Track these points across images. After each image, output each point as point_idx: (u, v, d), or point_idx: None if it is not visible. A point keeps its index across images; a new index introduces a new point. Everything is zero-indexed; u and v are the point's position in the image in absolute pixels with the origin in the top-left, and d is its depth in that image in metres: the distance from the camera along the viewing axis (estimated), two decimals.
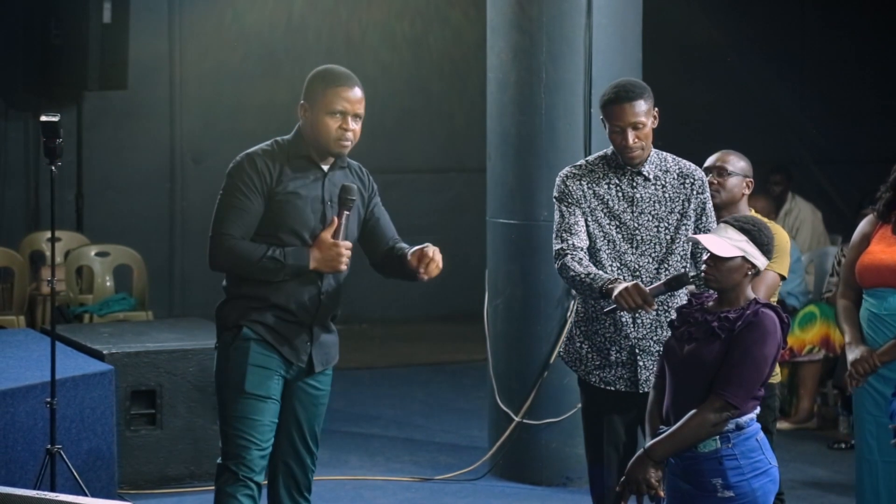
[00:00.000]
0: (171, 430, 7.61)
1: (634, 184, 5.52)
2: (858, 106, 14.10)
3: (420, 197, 13.46)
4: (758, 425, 4.86)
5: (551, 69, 7.74)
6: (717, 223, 5.38)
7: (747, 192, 6.10)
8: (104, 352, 7.46)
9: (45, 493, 4.26)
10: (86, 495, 6.37)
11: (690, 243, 5.55)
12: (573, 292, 7.71)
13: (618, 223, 5.51)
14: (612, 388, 5.52)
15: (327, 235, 5.31)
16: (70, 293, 10.37)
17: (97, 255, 10.67)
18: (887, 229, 5.83)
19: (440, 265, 5.44)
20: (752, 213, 6.00)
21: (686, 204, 5.54)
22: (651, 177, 5.53)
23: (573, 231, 5.48)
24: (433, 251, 5.39)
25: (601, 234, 5.51)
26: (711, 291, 4.93)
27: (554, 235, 5.53)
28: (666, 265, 5.49)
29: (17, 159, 12.05)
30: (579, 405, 7.67)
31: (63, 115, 6.87)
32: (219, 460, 5.39)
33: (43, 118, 6.53)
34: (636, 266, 5.49)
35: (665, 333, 5.41)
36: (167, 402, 7.58)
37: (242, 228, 5.29)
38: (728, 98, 13.52)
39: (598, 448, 5.53)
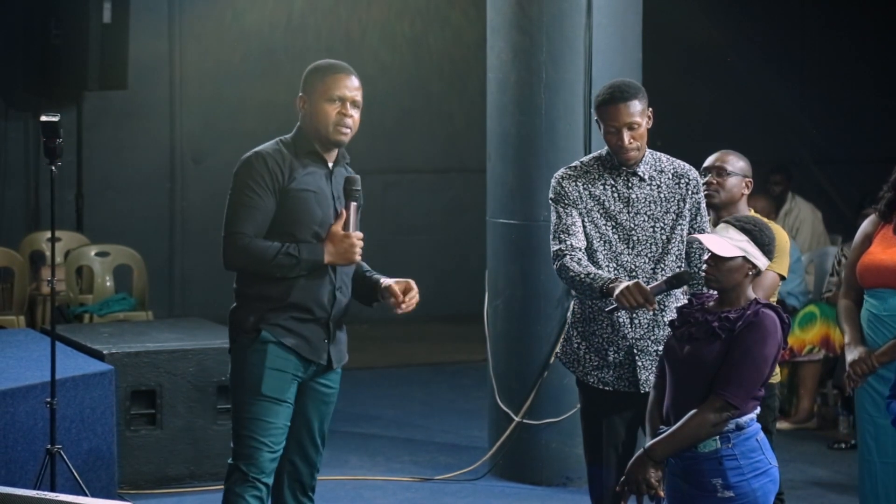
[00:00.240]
0: (171, 430, 7.61)
1: (630, 184, 5.52)
2: (858, 106, 14.11)
3: (420, 197, 13.47)
4: (758, 425, 4.86)
5: (551, 69, 7.75)
6: (718, 223, 5.38)
7: (747, 192, 6.10)
8: (104, 352, 7.47)
9: (45, 493, 4.26)
10: (86, 495, 6.37)
11: (685, 243, 5.56)
12: (573, 292, 7.72)
13: (614, 224, 5.51)
14: (611, 389, 5.52)
15: (338, 228, 5.34)
16: (70, 293, 10.37)
17: (97, 255, 10.67)
18: (888, 230, 5.82)
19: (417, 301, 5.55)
20: (752, 213, 6.00)
21: (681, 204, 5.55)
22: (646, 177, 5.53)
23: (570, 232, 5.48)
24: (414, 287, 5.49)
25: (597, 234, 5.51)
26: (712, 291, 4.93)
27: (551, 237, 5.54)
28: (662, 265, 5.49)
29: (17, 159, 12.06)
30: (579, 405, 7.71)
31: (63, 115, 6.87)
32: (229, 460, 5.39)
33: (43, 118, 6.53)
34: (632, 266, 5.49)
35: (663, 333, 5.41)
36: (167, 402, 7.58)
37: (255, 227, 5.30)
38: (728, 98, 13.53)
39: (597, 448, 5.54)
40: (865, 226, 5.93)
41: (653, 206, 5.52)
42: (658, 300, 5.40)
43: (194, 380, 7.61)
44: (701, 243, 5.17)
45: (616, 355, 5.50)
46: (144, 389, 7.57)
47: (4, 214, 12.04)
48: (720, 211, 5.98)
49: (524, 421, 7.85)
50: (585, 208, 5.51)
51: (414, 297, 5.54)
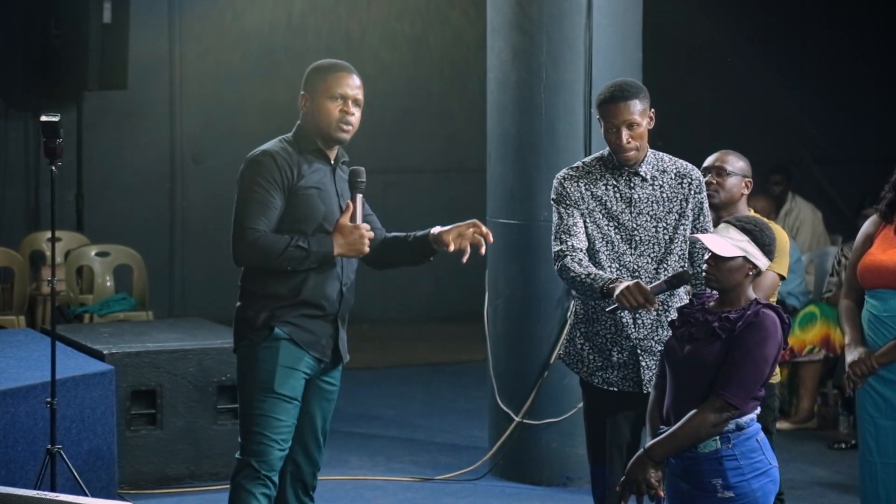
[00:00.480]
0: (171, 430, 7.61)
1: (632, 184, 5.52)
2: (859, 106, 14.10)
3: (420, 197, 13.46)
4: (758, 426, 4.86)
5: (551, 69, 7.75)
6: (718, 223, 5.38)
7: (746, 192, 6.10)
8: (104, 352, 7.47)
9: (46, 493, 4.26)
10: (86, 495, 6.37)
11: (688, 243, 5.56)
12: (573, 292, 7.72)
13: (616, 224, 5.51)
14: (616, 389, 5.52)
15: (346, 220, 5.38)
16: (70, 293, 10.37)
17: (97, 255, 10.67)
18: (889, 230, 5.82)
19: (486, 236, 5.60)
20: (752, 213, 6.00)
21: (684, 204, 5.54)
22: (648, 177, 5.53)
23: (572, 232, 5.48)
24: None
25: (599, 235, 5.51)
26: (712, 291, 4.93)
27: (553, 237, 5.54)
28: (665, 265, 5.49)
29: (17, 159, 12.06)
30: (579, 405, 7.68)
31: (63, 115, 6.87)
32: (237, 454, 5.40)
33: (43, 118, 6.53)
34: (635, 266, 5.49)
35: (666, 333, 5.41)
36: (167, 402, 7.59)
37: (265, 223, 5.32)
38: (728, 98, 13.53)
39: (600, 448, 5.53)
40: (866, 226, 5.92)
41: (655, 206, 5.52)
42: (661, 300, 5.41)
43: (194, 380, 7.61)
44: (701, 243, 5.17)
45: (620, 355, 5.50)
46: (144, 389, 7.57)
47: (4, 214, 12.04)
48: (720, 211, 5.98)
49: (524, 421, 7.85)
50: (587, 209, 5.51)
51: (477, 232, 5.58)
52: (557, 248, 5.48)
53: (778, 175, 10.94)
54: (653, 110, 5.53)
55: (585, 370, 5.58)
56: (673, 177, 5.55)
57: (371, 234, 5.43)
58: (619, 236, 5.50)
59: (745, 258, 4.83)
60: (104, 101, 12.09)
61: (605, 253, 5.50)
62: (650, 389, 5.34)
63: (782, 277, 5.99)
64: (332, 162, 5.48)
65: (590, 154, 7.64)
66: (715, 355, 4.78)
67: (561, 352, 5.71)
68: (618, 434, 5.51)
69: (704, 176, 5.87)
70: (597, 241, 5.50)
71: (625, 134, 5.43)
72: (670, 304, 5.47)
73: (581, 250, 5.46)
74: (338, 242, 5.36)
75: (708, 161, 6.07)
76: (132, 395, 7.55)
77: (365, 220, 5.57)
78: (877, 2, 13.76)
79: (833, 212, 12.14)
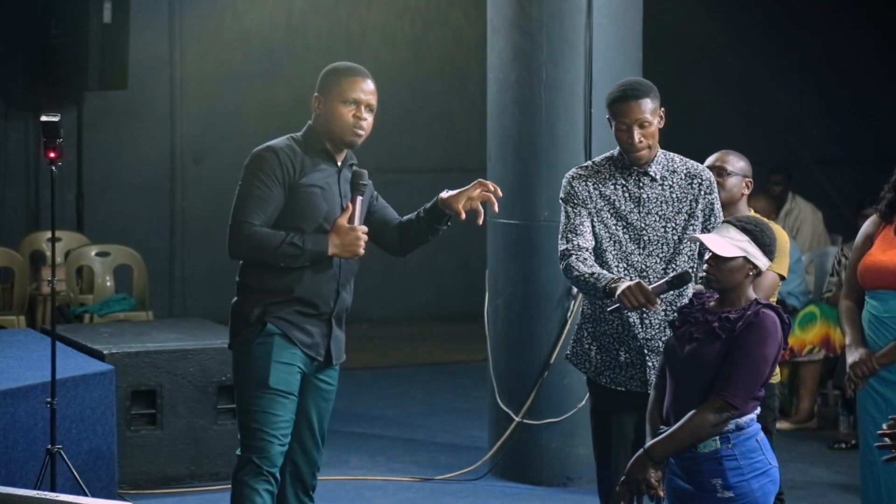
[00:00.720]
0: (171, 430, 7.61)
1: (641, 184, 5.51)
2: (858, 106, 14.10)
3: (420, 197, 13.28)
4: (758, 426, 4.86)
5: (551, 69, 7.75)
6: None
7: (747, 192, 6.09)
8: (104, 352, 7.47)
9: (46, 493, 4.26)
10: (86, 495, 6.37)
11: (698, 243, 5.55)
12: (573, 292, 7.72)
13: (624, 224, 5.50)
14: (623, 389, 5.52)
15: (343, 221, 5.39)
16: (70, 293, 10.37)
17: (97, 255, 10.67)
18: (889, 230, 5.82)
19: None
20: (752, 213, 6.00)
21: (694, 204, 5.53)
22: (658, 177, 5.52)
23: (578, 232, 5.48)
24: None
25: (607, 234, 5.50)
26: (712, 291, 4.93)
27: (559, 236, 5.54)
28: (674, 265, 5.48)
29: (17, 159, 12.05)
30: (579, 405, 7.72)
31: (63, 115, 6.88)
32: (238, 451, 5.40)
33: (43, 118, 6.53)
34: (643, 266, 5.48)
35: None
36: (167, 402, 7.59)
37: (262, 217, 5.34)
38: (728, 98, 13.53)
39: (606, 448, 5.52)
40: (866, 226, 5.92)
41: (664, 206, 5.51)
42: (669, 300, 5.41)
43: (194, 380, 7.61)
44: (701, 243, 5.17)
45: (627, 355, 5.49)
46: (145, 389, 7.57)
47: (4, 214, 12.03)
48: None
49: (524, 421, 7.85)
50: (595, 208, 5.51)
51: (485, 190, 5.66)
52: (563, 247, 5.48)
53: (778, 175, 10.94)
54: (662, 109, 5.52)
55: (592, 370, 5.58)
56: (683, 177, 5.54)
57: (366, 237, 5.42)
58: (627, 236, 5.50)
59: (745, 258, 4.83)
60: (104, 101, 12.09)
61: (613, 252, 5.49)
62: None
63: (782, 277, 5.99)
64: (340, 164, 5.49)
65: (590, 153, 7.67)
66: (715, 355, 4.78)
67: (568, 352, 5.70)
68: (623, 434, 5.51)
69: (713, 176, 5.85)
70: (604, 241, 5.50)
71: (637, 133, 5.42)
72: (679, 303, 5.46)
73: (587, 250, 5.46)
74: (333, 243, 5.37)
75: (708, 161, 6.06)
76: (132, 395, 7.55)
77: (377, 209, 5.60)
78: (877, 2, 13.76)
79: (833, 212, 12.14)
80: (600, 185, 5.53)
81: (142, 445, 7.56)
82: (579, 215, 5.50)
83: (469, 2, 13.09)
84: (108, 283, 10.58)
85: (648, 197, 5.51)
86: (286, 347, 5.37)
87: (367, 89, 5.47)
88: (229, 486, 5.48)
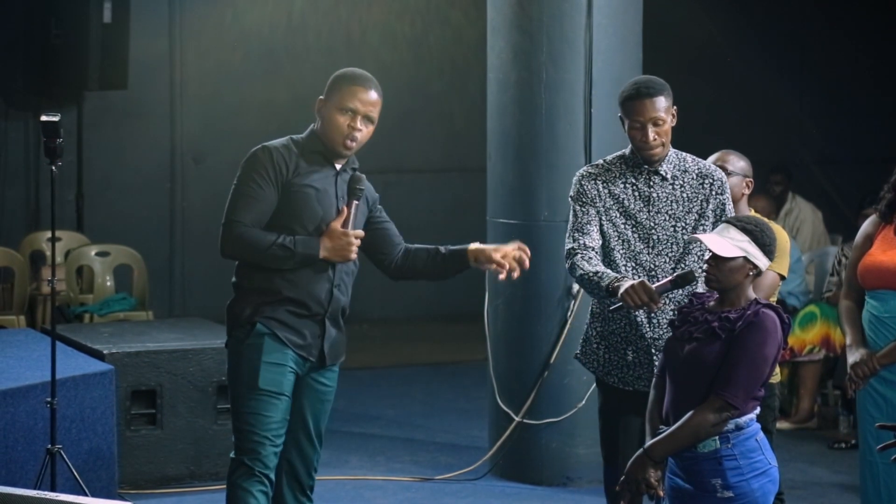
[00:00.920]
0: (171, 430, 7.61)
1: (651, 183, 5.51)
2: (858, 106, 14.10)
3: (420, 197, 13.46)
4: (757, 425, 4.86)
5: (551, 69, 7.75)
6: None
7: (747, 191, 6.09)
8: (104, 352, 7.47)
9: (46, 492, 4.26)
10: (86, 495, 6.36)
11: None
12: (573, 292, 7.72)
13: (633, 223, 5.49)
14: (631, 389, 5.51)
15: (337, 225, 5.36)
16: (70, 293, 10.37)
17: (97, 254, 10.67)
18: (889, 230, 5.82)
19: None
20: (752, 212, 5.99)
21: (704, 204, 5.51)
22: (669, 176, 5.50)
23: (585, 231, 5.48)
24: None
25: (615, 233, 5.50)
26: (712, 291, 4.93)
27: (566, 235, 5.54)
28: (683, 265, 5.46)
29: (17, 159, 12.06)
30: (579, 405, 7.72)
31: (63, 114, 6.87)
32: (232, 454, 5.39)
33: (43, 118, 6.52)
34: (652, 266, 5.47)
35: None
36: (167, 401, 7.59)
37: (254, 216, 5.32)
38: (728, 98, 13.53)
39: (613, 447, 5.52)
40: (866, 226, 5.92)
41: (674, 205, 5.50)
42: (679, 299, 5.40)
43: (194, 380, 7.61)
44: (702, 243, 5.17)
45: (635, 355, 5.49)
46: (144, 389, 7.57)
47: (4, 214, 12.03)
48: None
49: (524, 421, 7.85)
50: (604, 207, 5.50)
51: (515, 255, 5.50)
52: (569, 245, 5.48)
53: (778, 175, 10.94)
54: (675, 108, 5.52)
55: (601, 369, 5.58)
56: (695, 177, 5.53)
57: (359, 241, 5.39)
58: (635, 235, 5.49)
59: (745, 258, 4.83)
60: (104, 101, 12.09)
61: (621, 252, 5.49)
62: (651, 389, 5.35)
63: (783, 277, 5.99)
64: (339, 167, 5.46)
65: (590, 153, 7.68)
66: (715, 355, 4.78)
67: (578, 352, 5.70)
68: (631, 433, 5.50)
69: (726, 177, 5.83)
70: (612, 240, 5.49)
71: (651, 131, 5.42)
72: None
73: (593, 249, 5.45)
74: (324, 246, 5.34)
75: (708, 161, 6.06)
76: (132, 395, 7.55)
77: (378, 221, 5.57)
78: (877, 2, 13.76)
79: (833, 212, 12.14)
80: (610, 184, 5.52)
81: (142, 445, 7.57)
82: (587, 214, 5.50)
83: (469, 2, 13.09)
84: (108, 283, 10.58)
85: (658, 196, 5.50)
86: (276, 348, 5.35)
87: (367, 100, 5.42)
88: None
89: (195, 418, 7.63)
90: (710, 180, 5.54)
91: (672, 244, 5.48)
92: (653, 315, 5.44)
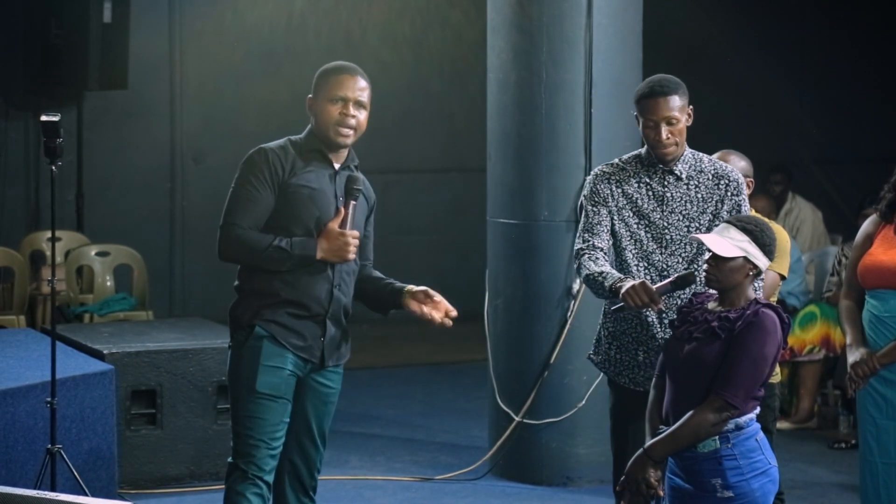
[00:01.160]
0: (171, 430, 7.61)
1: (665, 183, 5.49)
2: (858, 106, 14.10)
3: (420, 197, 13.47)
4: (757, 425, 4.86)
5: (552, 69, 7.75)
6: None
7: (748, 191, 6.08)
8: (104, 351, 7.47)
9: (46, 492, 4.26)
10: (86, 495, 6.36)
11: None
12: (573, 292, 7.72)
13: (647, 223, 5.48)
14: (641, 389, 5.51)
15: (334, 225, 5.34)
16: (70, 293, 10.37)
17: (97, 254, 10.67)
18: (889, 230, 5.81)
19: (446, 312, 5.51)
20: (753, 212, 5.99)
21: (719, 205, 5.49)
22: (683, 176, 5.49)
23: (594, 231, 5.48)
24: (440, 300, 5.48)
25: (628, 233, 5.49)
26: (712, 291, 4.93)
27: (577, 234, 5.55)
28: (696, 266, 5.45)
29: (17, 159, 12.06)
30: (580, 405, 7.73)
31: (63, 114, 6.87)
32: (229, 459, 5.40)
33: (43, 118, 6.52)
34: (664, 266, 5.46)
35: None
36: (167, 401, 7.59)
37: (251, 219, 5.32)
38: (728, 98, 13.52)
39: (623, 447, 5.51)
40: (866, 226, 5.92)
41: (688, 205, 5.48)
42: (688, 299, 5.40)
43: (194, 380, 7.61)
44: (702, 243, 5.17)
45: (646, 355, 5.48)
46: (144, 389, 7.57)
47: (5, 214, 12.03)
48: None
49: (524, 421, 7.85)
50: (616, 206, 5.50)
51: (440, 304, 5.51)
52: (578, 245, 5.49)
53: (778, 175, 10.95)
54: (691, 107, 5.51)
55: (612, 369, 5.58)
56: (710, 177, 5.51)
57: (357, 241, 5.39)
58: (648, 235, 5.48)
59: (745, 258, 4.83)
60: (104, 101, 12.09)
61: (633, 251, 5.48)
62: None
63: (783, 277, 5.99)
64: (338, 166, 5.45)
65: (590, 153, 7.68)
66: (714, 355, 4.78)
67: (591, 352, 5.70)
68: (641, 434, 5.49)
69: (742, 178, 5.82)
70: (624, 240, 5.49)
71: (664, 130, 5.41)
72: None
73: (601, 249, 5.45)
74: (321, 247, 5.33)
75: None
76: (132, 395, 7.55)
77: (364, 242, 5.54)
78: (877, 2, 13.76)
79: (833, 212, 12.15)
80: (623, 183, 5.51)
81: (142, 445, 7.57)
82: (598, 214, 5.49)
83: (469, 2, 13.09)
84: (108, 283, 10.58)
85: (672, 196, 5.48)
86: (275, 351, 5.34)
87: (355, 86, 5.41)
88: None
89: (195, 418, 7.63)
90: (726, 181, 5.52)
91: (685, 244, 5.46)
92: (664, 315, 5.43)
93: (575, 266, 5.51)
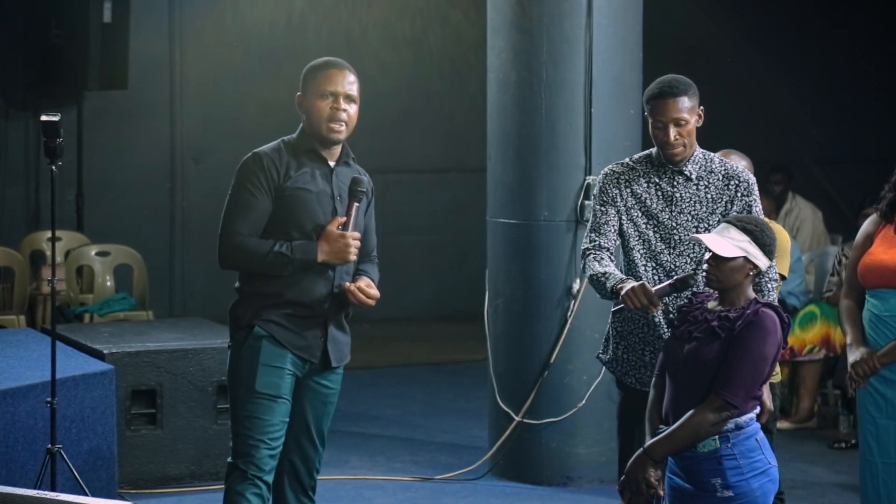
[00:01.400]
0: (171, 430, 7.61)
1: (674, 183, 5.49)
2: (858, 106, 14.10)
3: (420, 197, 13.47)
4: (757, 425, 4.86)
5: (552, 69, 7.74)
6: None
7: None
8: (104, 351, 7.47)
9: (46, 492, 4.26)
10: (86, 495, 6.36)
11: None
12: (573, 292, 7.72)
13: (655, 223, 5.48)
14: (648, 390, 5.51)
15: (333, 228, 5.34)
16: (70, 293, 10.37)
17: (97, 254, 10.67)
18: (890, 230, 5.81)
19: (366, 298, 5.42)
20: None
21: (729, 205, 5.48)
22: (693, 177, 5.49)
23: (601, 231, 5.48)
24: (357, 288, 5.39)
25: (636, 233, 5.49)
26: (712, 290, 4.93)
27: (585, 234, 5.55)
28: (704, 266, 5.44)
29: (17, 159, 12.06)
30: (579, 405, 7.73)
31: (63, 114, 6.86)
32: (229, 459, 5.40)
33: (43, 118, 6.52)
34: (672, 266, 5.46)
35: None
36: (167, 401, 7.59)
37: (249, 226, 5.32)
38: (728, 98, 13.51)
39: (629, 447, 5.50)
40: (867, 226, 5.92)
41: (697, 206, 5.48)
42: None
43: (194, 379, 7.61)
44: (702, 243, 5.17)
45: (652, 356, 5.47)
46: (145, 389, 7.57)
47: (5, 214, 12.03)
48: None
49: (524, 420, 7.85)
50: (625, 206, 5.50)
51: (361, 294, 5.41)
52: (585, 245, 5.50)
53: (778, 175, 10.94)
54: (701, 108, 5.51)
55: (619, 369, 5.59)
56: (720, 178, 5.51)
57: (358, 242, 5.38)
58: (657, 235, 5.48)
59: (745, 258, 4.83)
60: (104, 101, 12.09)
61: (640, 251, 5.48)
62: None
63: (783, 277, 5.99)
64: (334, 163, 5.45)
65: (590, 153, 7.68)
66: (714, 355, 4.78)
67: (600, 351, 5.70)
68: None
69: (753, 179, 5.82)
70: (632, 239, 5.49)
71: (672, 131, 5.41)
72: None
73: (607, 249, 5.46)
74: (322, 249, 5.33)
75: None
76: (132, 395, 7.55)
77: (364, 234, 5.52)
78: (877, 2, 13.76)
79: (833, 211, 12.14)
80: (633, 183, 5.51)
81: (142, 445, 7.56)
82: (606, 214, 5.50)
83: (469, 2, 13.10)
84: (108, 283, 10.58)
85: (682, 196, 5.48)
86: (274, 351, 5.34)
87: (344, 81, 5.39)
88: None
89: (195, 418, 7.63)
90: (736, 181, 5.51)
91: (694, 245, 5.46)
92: (671, 316, 5.43)
93: (581, 266, 5.51)
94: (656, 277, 5.43)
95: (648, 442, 4.87)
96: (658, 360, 5.25)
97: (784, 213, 10.81)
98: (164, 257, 12.51)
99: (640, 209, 5.49)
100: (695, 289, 5.34)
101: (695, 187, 5.49)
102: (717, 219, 5.47)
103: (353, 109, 5.41)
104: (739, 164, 6.06)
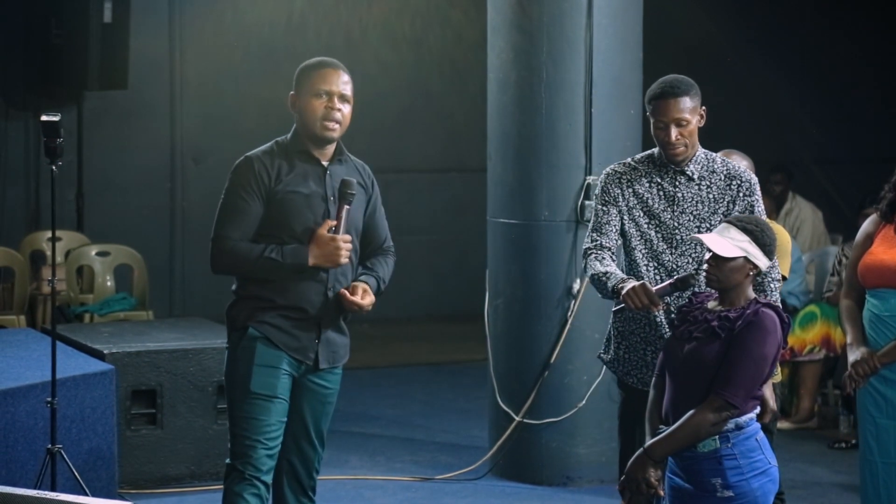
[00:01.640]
0: (171, 430, 7.61)
1: (676, 183, 5.49)
2: (858, 106, 14.10)
3: (420, 197, 13.47)
4: (757, 425, 4.86)
5: (552, 69, 7.75)
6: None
7: None
8: (105, 351, 7.47)
9: (46, 492, 4.26)
10: (86, 495, 6.36)
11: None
12: (573, 292, 7.73)
13: (657, 223, 5.48)
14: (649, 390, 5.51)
15: (323, 231, 5.32)
16: (70, 293, 10.37)
17: (97, 254, 10.67)
18: (890, 229, 5.82)
19: (363, 306, 5.42)
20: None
21: (731, 205, 5.48)
22: (695, 177, 5.49)
23: (603, 231, 5.48)
24: (355, 296, 5.40)
25: (637, 233, 5.49)
26: (712, 290, 4.93)
27: (587, 233, 5.55)
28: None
29: (17, 159, 12.06)
30: (580, 405, 7.73)
31: (63, 114, 6.86)
32: (227, 460, 5.40)
33: (43, 118, 6.52)
34: (674, 266, 5.46)
35: None
36: (167, 401, 7.59)
37: (241, 230, 5.32)
38: (728, 98, 13.50)
39: (630, 447, 5.50)
40: (866, 225, 5.92)
41: (699, 206, 5.48)
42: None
43: (194, 379, 7.61)
44: (702, 243, 5.17)
45: (654, 356, 5.47)
46: (145, 389, 7.57)
47: (5, 214, 12.04)
48: None
49: (524, 420, 7.85)
50: (626, 206, 5.50)
51: (355, 300, 5.41)
52: (586, 245, 5.50)
53: (778, 175, 10.94)
54: (703, 108, 5.51)
55: (621, 369, 5.59)
56: (723, 178, 5.50)
57: (349, 245, 5.37)
58: (658, 235, 5.48)
59: (745, 258, 4.83)
60: (105, 101, 12.09)
61: (642, 251, 5.48)
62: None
63: (783, 277, 5.99)
64: (328, 162, 5.43)
65: (591, 153, 7.68)
66: (714, 355, 4.78)
67: (601, 351, 5.70)
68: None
69: (756, 179, 5.82)
70: (633, 239, 5.49)
71: (674, 131, 5.41)
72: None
73: (608, 249, 5.46)
74: (313, 253, 5.32)
75: None
76: (132, 395, 7.55)
77: (371, 226, 5.51)
78: (877, 2, 13.76)
79: (833, 211, 12.14)
80: (634, 183, 5.52)
81: (142, 445, 7.57)
82: (607, 213, 5.50)
83: (469, 2, 13.10)
84: (109, 283, 10.58)
85: (683, 196, 5.48)
86: (270, 351, 5.34)
87: (338, 80, 5.38)
88: None
89: (195, 418, 7.63)
90: (739, 181, 5.51)
91: (695, 245, 5.46)
92: (673, 316, 5.43)
93: (583, 266, 5.52)
94: (658, 277, 5.43)
95: (648, 442, 4.87)
96: (658, 360, 5.25)
97: (784, 213, 10.81)
98: (164, 257, 12.51)
99: (641, 209, 5.50)
100: (695, 288, 5.35)
101: (697, 187, 5.49)
102: (718, 219, 5.46)
103: (346, 109, 5.41)
104: (741, 164, 6.06)
